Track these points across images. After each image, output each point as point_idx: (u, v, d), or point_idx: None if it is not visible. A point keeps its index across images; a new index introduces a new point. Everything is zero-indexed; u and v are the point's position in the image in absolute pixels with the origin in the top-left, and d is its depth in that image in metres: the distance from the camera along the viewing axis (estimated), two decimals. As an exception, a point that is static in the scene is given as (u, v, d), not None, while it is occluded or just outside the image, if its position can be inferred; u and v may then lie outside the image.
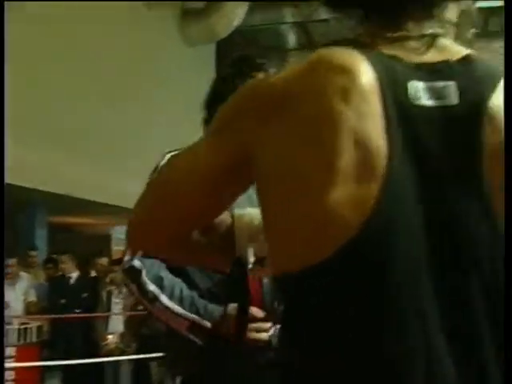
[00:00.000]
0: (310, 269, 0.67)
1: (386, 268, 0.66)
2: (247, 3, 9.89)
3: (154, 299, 1.59)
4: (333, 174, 0.66)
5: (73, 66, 7.57)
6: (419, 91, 0.71)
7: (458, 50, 0.76)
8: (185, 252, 0.96)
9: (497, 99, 0.72)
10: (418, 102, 0.70)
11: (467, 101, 0.71)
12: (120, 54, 8.64)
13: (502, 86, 0.73)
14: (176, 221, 0.84)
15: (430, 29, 0.75)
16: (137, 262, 1.60)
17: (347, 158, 0.66)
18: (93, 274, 7.22)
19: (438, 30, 0.76)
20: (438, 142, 0.70)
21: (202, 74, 7.78)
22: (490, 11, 10.16)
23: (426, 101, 0.71)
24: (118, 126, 8.39)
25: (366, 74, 0.69)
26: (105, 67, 8.23)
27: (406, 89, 0.70)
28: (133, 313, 5.93)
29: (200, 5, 10.25)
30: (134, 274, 1.61)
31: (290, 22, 11.22)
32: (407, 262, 0.67)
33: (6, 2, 4.00)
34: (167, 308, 1.59)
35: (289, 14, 10.88)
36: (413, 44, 0.74)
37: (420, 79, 0.71)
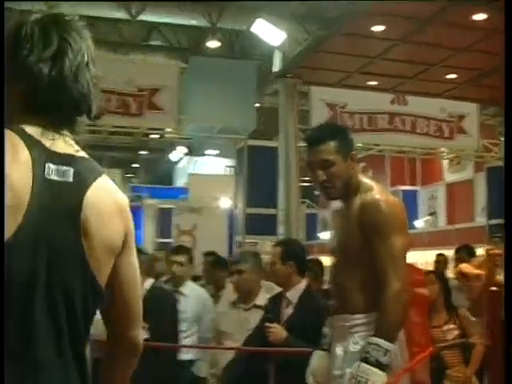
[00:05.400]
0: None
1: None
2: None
3: None
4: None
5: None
6: (51, 170, 1.22)
7: (77, 149, 1.29)
8: None
9: (95, 190, 1.25)
10: (49, 177, 1.21)
11: (78, 180, 1.25)
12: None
13: (100, 180, 1.27)
14: None
15: (65, 131, 1.29)
16: None
17: (11, 194, 1.15)
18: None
19: (68, 134, 1.29)
20: (56, 205, 1.21)
21: None
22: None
23: (54, 176, 1.22)
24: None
25: (23, 153, 1.19)
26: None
27: (44, 167, 1.21)
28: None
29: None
30: None
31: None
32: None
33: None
34: None
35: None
36: (53, 137, 1.26)
37: (53, 162, 1.22)
